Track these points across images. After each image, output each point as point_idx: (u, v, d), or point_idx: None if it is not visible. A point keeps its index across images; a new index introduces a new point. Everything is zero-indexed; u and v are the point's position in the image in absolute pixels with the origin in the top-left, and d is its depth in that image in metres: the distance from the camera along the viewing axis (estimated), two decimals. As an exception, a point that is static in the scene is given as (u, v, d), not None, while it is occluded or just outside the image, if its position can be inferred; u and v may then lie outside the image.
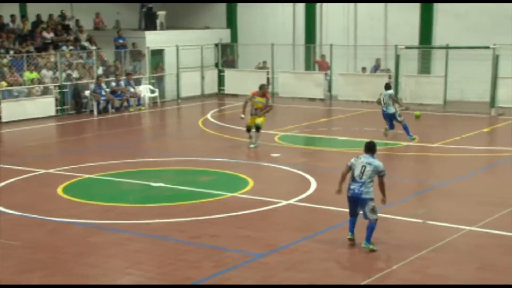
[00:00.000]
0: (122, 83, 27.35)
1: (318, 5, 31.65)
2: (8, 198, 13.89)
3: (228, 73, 32.00)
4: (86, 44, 29.34)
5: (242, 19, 33.77)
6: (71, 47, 28.37)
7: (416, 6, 29.32)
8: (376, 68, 29.60)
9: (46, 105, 25.52)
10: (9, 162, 17.40)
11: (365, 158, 10.77)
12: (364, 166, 10.64)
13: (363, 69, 29.51)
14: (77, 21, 30.33)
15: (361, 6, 30.67)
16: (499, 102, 25.06)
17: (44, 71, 26.29)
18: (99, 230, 11.80)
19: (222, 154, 18.23)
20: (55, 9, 30.04)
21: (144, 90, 28.44)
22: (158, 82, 30.13)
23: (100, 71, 27.84)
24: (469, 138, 20.42)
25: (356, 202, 10.71)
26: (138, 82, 28.73)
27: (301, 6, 32.04)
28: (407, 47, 27.08)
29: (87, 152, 19.49)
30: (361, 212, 10.77)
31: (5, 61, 25.53)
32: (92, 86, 26.38)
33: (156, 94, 29.06)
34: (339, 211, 12.52)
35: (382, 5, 30.19)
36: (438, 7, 29.00)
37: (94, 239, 11.36)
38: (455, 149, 18.74)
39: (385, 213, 11.89)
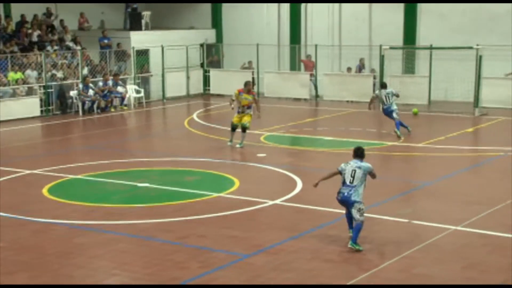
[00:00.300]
0: (110, 83, 27.25)
1: (303, 5, 31.73)
2: (-7, 199, 13.81)
3: (213, 73, 31.99)
4: (71, 44, 29.22)
5: (227, 19, 33.76)
6: (56, 47, 28.24)
7: (400, 7, 29.45)
8: (360, 67, 29.70)
9: (31, 106, 25.39)
10: (-7, 163, 17.32)
11: (354, 163, 10.97)
12: (354, 170, 10.82)
13: (349, 69, 29.59)
14: (61, 21, 30.19)
15: (345, 6, 30.74)
16: (482, 102, 25.20)
17: (28, 71, 26.15)
18: (84, 231, 11.76)
19: (208, 154, 18.21)
20: (39, 9, 29.89)
21: (130, 90, 28.38)
22: (144, 82, 30.08)
23: (86, 71, 27.73)
24: (454, 138, 20.53)
25: (345, 204, 10.86)
26: (123, 82, 28.63)
27: (286, 6, 32.08)
28: (392, 48, 27.16)
29: (73, 152, 19.44)
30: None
31: (-11, 61, 25.43)
32: (80, 86, 26.28)
33: (142, 94, 29.00)
34: (325, 211, 12.58)
35: (366, 5, 30.30)
36: (422, 7, 29.14)
37: (79, 240, 11.32)
38: (439, 149, 18.84)
39: (371, 213, 11.96)
